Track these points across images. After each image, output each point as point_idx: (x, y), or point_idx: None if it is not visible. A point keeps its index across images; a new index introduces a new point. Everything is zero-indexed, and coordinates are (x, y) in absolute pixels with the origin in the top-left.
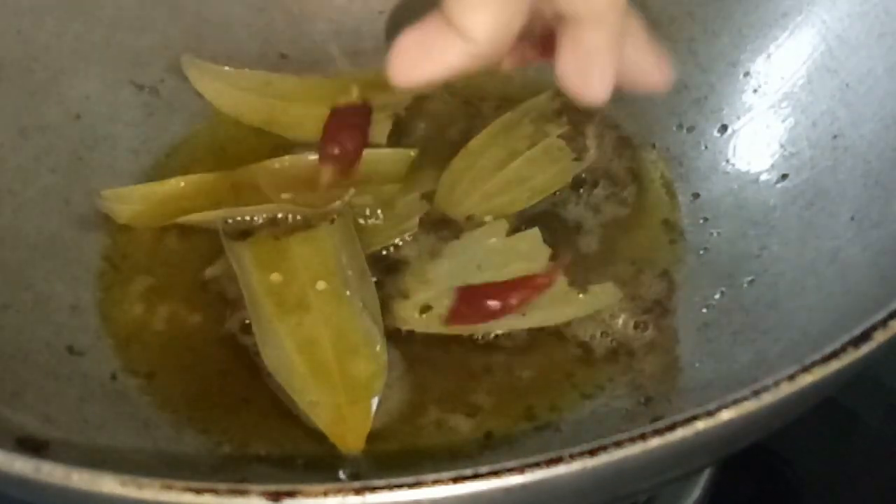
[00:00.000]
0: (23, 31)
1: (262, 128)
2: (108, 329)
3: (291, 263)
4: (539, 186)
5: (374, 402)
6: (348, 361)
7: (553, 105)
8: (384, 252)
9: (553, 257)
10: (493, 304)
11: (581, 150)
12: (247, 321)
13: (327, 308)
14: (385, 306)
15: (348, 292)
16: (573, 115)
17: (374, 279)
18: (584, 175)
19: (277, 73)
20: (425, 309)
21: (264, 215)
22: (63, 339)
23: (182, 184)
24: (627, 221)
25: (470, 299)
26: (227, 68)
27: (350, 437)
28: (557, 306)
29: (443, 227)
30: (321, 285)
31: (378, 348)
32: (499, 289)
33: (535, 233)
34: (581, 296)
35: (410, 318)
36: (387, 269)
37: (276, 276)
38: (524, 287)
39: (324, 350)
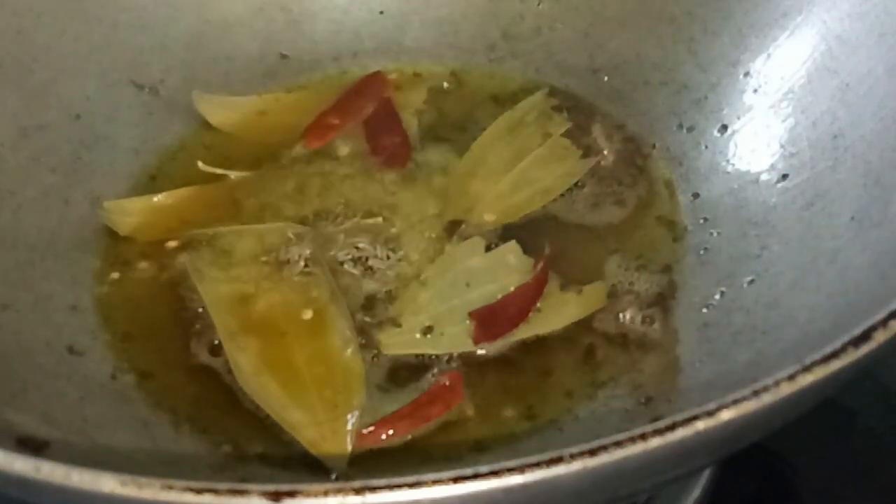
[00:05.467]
0: (23, 31)
1: (280, 146)
2: (108, 329)
3: (252, 285)
4: (550, 186)
5: (353, 418)
6: (324, 381)
7: (551, 102)
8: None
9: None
10: (506, 319)
11: (586, 148)
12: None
13: (298, 328)
14: (375, 336)
15: (318, 310)
16: (573, 112)
17: (361, 305)
18: (586, 174)
19: (285, 92)
20: (427, 330)
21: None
22: (63, 339)
23: (183, 195)
24: (628, 221)
25: (484, 320)
26: (236, 98)
27: (333, 454)
28: (553, 312)
29: (455, 229)
30: (291, 306)
31: (353, 366)
32: (504, 303)
33: (513, 245)
34: (576, 297)
35: (408, 342)
36: (373, 298)
37: (240, 299)
38: (525, 296)
39: (298, 371)
